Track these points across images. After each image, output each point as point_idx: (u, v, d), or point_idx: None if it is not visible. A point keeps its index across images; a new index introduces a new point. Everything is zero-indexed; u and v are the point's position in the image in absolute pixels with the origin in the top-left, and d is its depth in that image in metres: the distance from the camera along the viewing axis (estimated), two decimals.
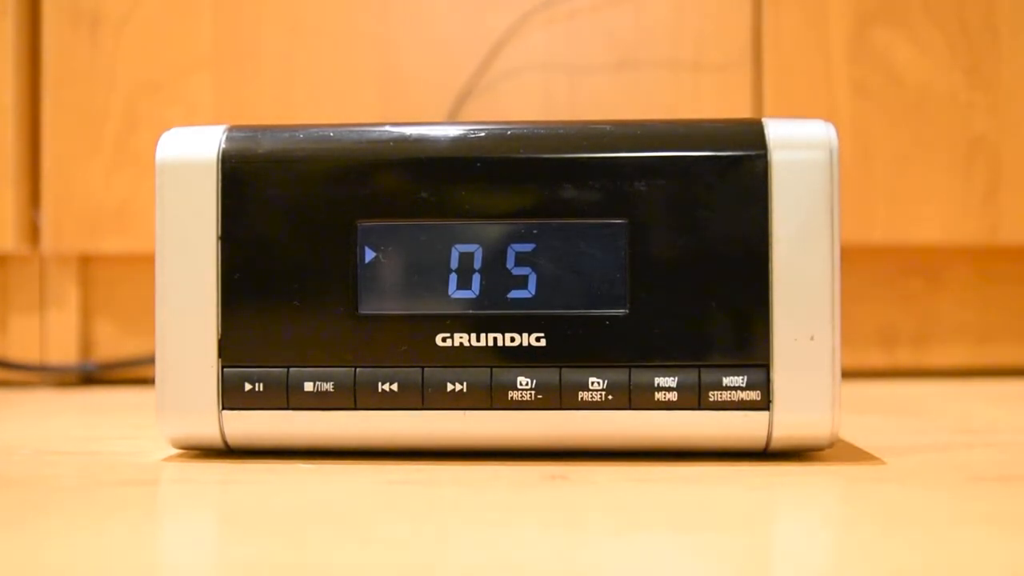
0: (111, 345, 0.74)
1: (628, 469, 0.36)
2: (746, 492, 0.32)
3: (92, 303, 0.74)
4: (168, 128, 0.39)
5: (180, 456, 0.39)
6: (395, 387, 0.37)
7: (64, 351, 0.73)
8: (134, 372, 0.74)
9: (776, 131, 0.37)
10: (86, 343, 0.74)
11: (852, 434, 0.44)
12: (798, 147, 0.37)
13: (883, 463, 0.37)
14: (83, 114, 0.70)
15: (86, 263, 0.74)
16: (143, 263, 0.72)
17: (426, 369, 0.37)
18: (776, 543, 0.28)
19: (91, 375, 0.74)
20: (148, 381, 0.72)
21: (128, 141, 0.70)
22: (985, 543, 0.26)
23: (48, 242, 0.71)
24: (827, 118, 0.38)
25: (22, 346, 0.73)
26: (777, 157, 0.37)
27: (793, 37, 0.70)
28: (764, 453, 0.38)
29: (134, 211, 0.70)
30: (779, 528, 0.30)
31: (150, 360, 0.73)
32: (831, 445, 0.37)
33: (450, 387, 0.37)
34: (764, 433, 0.37)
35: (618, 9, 0.72)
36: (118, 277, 0.74)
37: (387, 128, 0.38)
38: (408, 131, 0.38)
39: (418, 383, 0.37)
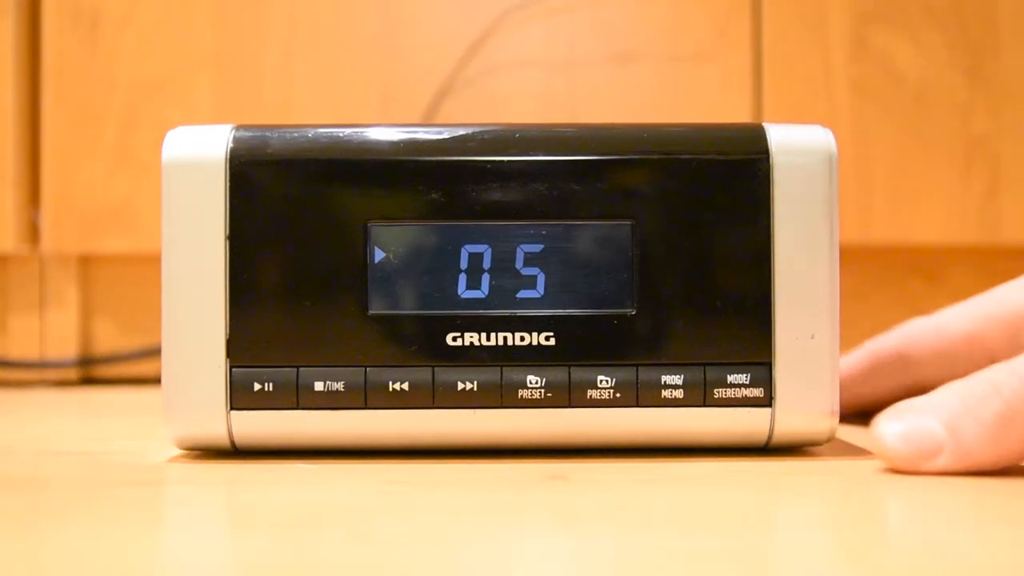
0: (111, 345, 0.74)
1: (632, 466, 0.36)
2: (748, 490, 0.33)
3: (92, 303, 0.74)
4: (168, 128, 0.39)
5: (184, 456, 0.39)
6: (406, 386, 0.37)
7: (64, 351, 0.73)
8: (134, 373, 0.74)
9: (778, 136, 0.38)
10: (86, 343, 0.74)
11: (851, 432, 0.44)
12: (799, 152, 0.37)
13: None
14: (83, 114, 0.70)
15: (86, 263, 0.74)
16: (143, 263, 0.72)
17: (436, 368, 0.37)
18: (777, 541, 0.28)
19: (91, 375, 0.74)
20: (148, 381, 0.73)
21: (128, 141, 0.70)
22: (985, 542, 0.26)
23: (48, 242, 0.71)
24: (827, 118, 0.39)
25: (22, 346, 0.73)
26: (779, 161, 0.37)
27: (793, 37, 0.70)
28: (764, 448, 0.38)
29: (134, 211, 0.70)
30: (780, 526, 0.30)
31: (148, 354, 0.73)
32: (830, 440, 0.38)
33: (460, 386, 0.37)
34: (766, 429, 0.37)
35: (617, 8, 0.72)
36: (118, 277, 0.74)
37: (397, 129, 0.38)
38: (419, 132, 0.38)
39: (429, 382, 0.37)
